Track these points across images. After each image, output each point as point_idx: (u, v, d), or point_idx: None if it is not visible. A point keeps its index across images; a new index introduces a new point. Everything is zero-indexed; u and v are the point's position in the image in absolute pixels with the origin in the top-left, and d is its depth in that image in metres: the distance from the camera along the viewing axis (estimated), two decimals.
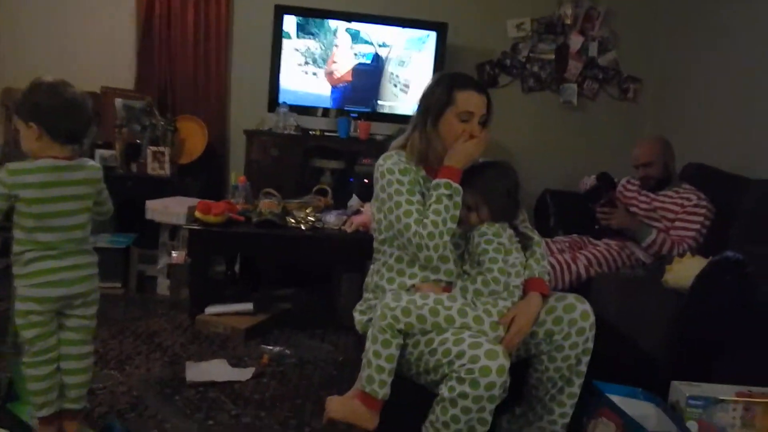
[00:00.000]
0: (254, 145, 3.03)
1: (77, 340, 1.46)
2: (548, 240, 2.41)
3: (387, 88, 3.20)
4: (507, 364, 1.25)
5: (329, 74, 3.16)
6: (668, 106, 3.31)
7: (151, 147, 2.97)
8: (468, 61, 3.33)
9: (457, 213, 1.44)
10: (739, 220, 2.13)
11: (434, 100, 1.49)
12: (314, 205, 2.61)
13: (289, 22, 3.08)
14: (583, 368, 1.45)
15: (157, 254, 2.81)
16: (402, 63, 3.19)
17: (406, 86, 3.21)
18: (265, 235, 2.42)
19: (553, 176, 3.23)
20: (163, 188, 2.89)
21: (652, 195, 2.41)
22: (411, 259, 1.50)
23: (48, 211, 1.36)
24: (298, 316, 2.60)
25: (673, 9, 3.32)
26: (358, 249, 2.23)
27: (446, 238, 1.42)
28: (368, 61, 3.17)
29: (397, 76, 3.19)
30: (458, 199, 1.44)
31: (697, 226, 2.24)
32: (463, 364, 1.25)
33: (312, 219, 2.49)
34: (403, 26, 3.16)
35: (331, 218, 2.51)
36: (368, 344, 1.38)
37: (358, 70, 3.17)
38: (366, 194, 2.27)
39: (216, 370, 2.02)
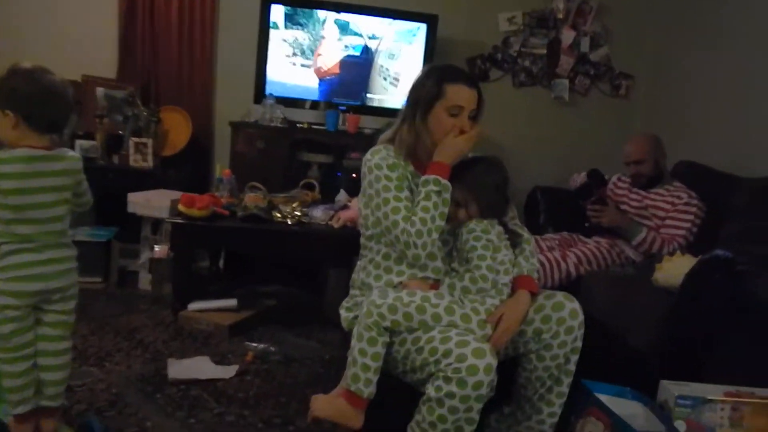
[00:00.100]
0: (240, 138, 2.99)
1: (55, 335, 1.43)
2: (538, 237, 2.41)
3: (377, 81, 3.17)
4: (494, 362, 1.24)
5: (316, 67, 3.13)
6: (660, 103, 3.32)
7: (133, 138, 2.92)
8: (458, 55, 3.30)
9: (446, 210, 1.42)
10: (730, 218, 2.14)
11: (424, 93, 1.47)
12: (301, 200, 2.59)
13: (277, 12, 3.04)
14: (572, 367, 1.45)
15: (139, 248, 2.78)
16: (392, 56, 3.16)
17: (396, 79, 3.18)
18: (250, 230, 2.39)
19: (543, 173, 3.22)
20: (145, 181, 2.84)
21: (643, 193, 2.41)
22: (398, 256, 1.48)
23: (26, 202, 1.33)
24: (284, 313, 2.58)
25: (666, 6, 3.32)
26: (346, 245, 2.19)
27: (435, 235, 1.41)
28: (357, 54, 3.13)
29: (387, 69, 3.16)
30: (447, 195, 1.42)
31: (688, 225, 2.25)
32: (450, 363, 1.24)
33: (298, 214, 2.46)
34: (394, 18, 3.13)
35: (318, 213, 2.49)
36: (354, 342, 1.37)
37: (347, 63, 3.13)
38: (354, 189, 2.24)
39: (199, 367, 2.00)
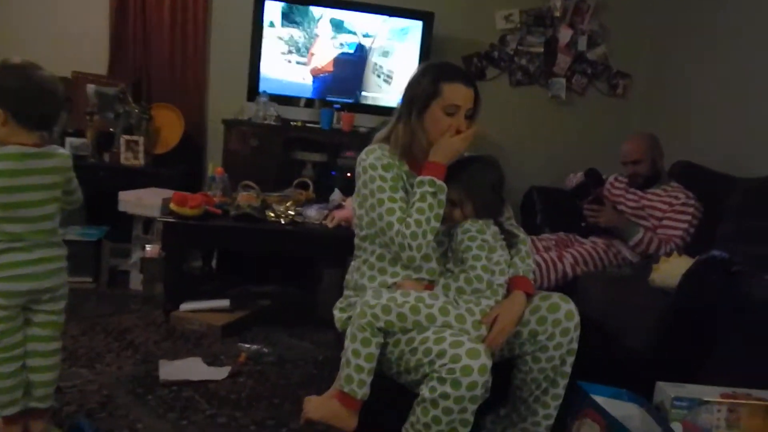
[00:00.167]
0: (233, 136, 2.97)
1: (44, 336, 1.42)
2: (534, 238, 2.40)
3: (370, 78, 3.15)
4: (489, 363, 1.24)
5: (310, 65, 3.12)
6: (657, 103, 3.32)
7: (124, 136, 2.90)
8: (455, 53, 3.29)
9: (441, 211, 1.42)
10: (727, 218, 2.14)
11: (420, 91, 1.46)
12: (295, 199, 2.57)
13: (274, 10, 3.02)
14: (568, 369, 1.45)
15: (130, 248, 2.77)
16: (386, 53, 3.14)
17: (389, 77, 3.16)
18: (243, 230, 2.38)
19: (540, 172, 3.21)
20: (136, 179, 2.82)
21: (640, 193, 2.41)
22: (393, 257, 1.47)
23: (17, 200, 1.31)
24: (277, 313, 2.56)
25: (664, 4, 3.32)
26: (340, 244, 2.18)
27: (429, 237, 1.40)
28: (351, 51, 3.12)
29: (380, 66, 3.14)
30: (442, 197, 1.41)
31: (685, 225, 2.24)
32: (444, 364, 1.23)
33: (292, 213, 2.44)
34: (390, 15, 3.12)
35: (312, 212, 2.47)
36: (347, 343, 1.36)
37: (340, 60, 3.13)
38: (349, 188, 2.22)
39: (191, 368, 1.98)
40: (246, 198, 2.42)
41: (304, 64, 3.10)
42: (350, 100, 3.15)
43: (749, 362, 1.58)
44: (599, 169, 2.57)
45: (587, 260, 2.27)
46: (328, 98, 3.13)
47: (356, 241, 1.57)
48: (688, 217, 2.25)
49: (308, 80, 3.13)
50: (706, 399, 1.45)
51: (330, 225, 2.41)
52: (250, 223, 2.37)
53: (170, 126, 3.06)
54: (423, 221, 1.38)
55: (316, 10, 3.05)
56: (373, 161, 1.46)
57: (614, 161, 2.52)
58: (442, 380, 1.22)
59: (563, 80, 3.43)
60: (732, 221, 2.09)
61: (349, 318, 1.43)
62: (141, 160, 2.90)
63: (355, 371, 1.32)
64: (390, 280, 1.48)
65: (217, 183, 2.61)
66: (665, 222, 2.28)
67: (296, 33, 3.06)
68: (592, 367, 1.52)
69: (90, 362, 1.98)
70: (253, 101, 3.03)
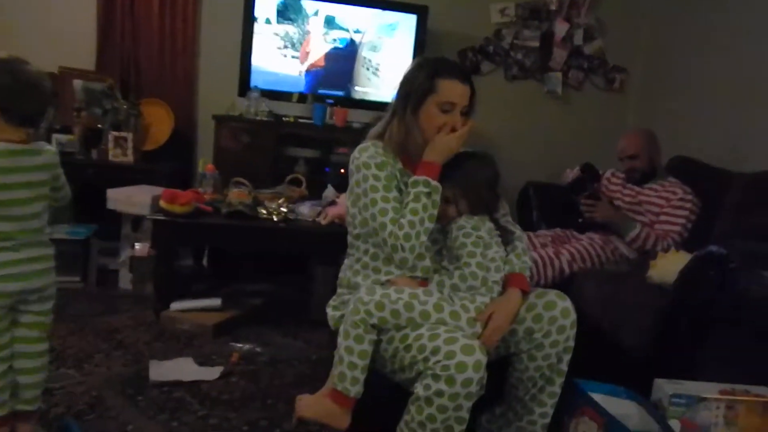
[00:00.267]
0: (224, 132, 2.94)
1: (32, 337, 1.40)
2: (530, 234, 2.39)
3: (360, 72, 3.14)
4: (484, 359, 1.22)
5: (302, 61, 3.10)
6: (654, 98, 3.31)
7: (112, 132, 2.86)
8: (449, 47, 3.26)
9: (435, 212, 1.40)
10: (724, 214, 2.14)
11: (416, 86, 1.44)
12: (287, 196, 2.55)
13: (270, 6, 2.99)
14: (564, 367, 1.44)
15: (119, 246, 2.75)
16: (374, 48, 3.13)
17: (378, 69, 3.14)
18: (234, 227, 2.36)
19: (536, 168, 3.19)
20: (125, 176, 2.79)
21: (637, 188, 2.41)
22: (386, 256, 1.45)
23: (6, 198, 1.30)
24: (270, 312, 2.56)
25: None
26: (333, 242, 2.17)
27: (423, 238, 1.39)
28: (341, 46, 3.11)
29: (369, 60, 3.13)
30: (437, 197, 1.40)
31: (683, 221, 2.24)
32: (439, 361, 1.22)
33: (285, 210, 2.43)
34: (383, 9, 3.10)
35: (305, 209, 2.46)
36: (340, 340, 1.35)
37: (331, 54, 3.12)
38: (342, 185, 2.20)
39: (182, 369, 1.97)
40: (237, 195, 2.40)
41: (297, 57, 3.08)
42: (341, 93, 3.13)
43: (747, 359, 1.58)
44: (596, 164, 2.56)
45: (584, 257, 2.26)
46: (319, 92, 3.10)
47: (349, 239, 1.55)
48: (686, 213, 2.24)
49: (299, 73, 3.10)
50: (704, 396, 1.45)
51: (323, 222, 2.40)
52: (241, 221, 2.36)
53: (159, 122, 3.03)
54: (416, 222, 1.37)
55: (310, 6, 3.03)
56: (367, 159, 1.43)
57: (611, 156, 2.51)
58: (436, 377, 1.21)
59: (559, 75, 3.40)
60: (729, 217, 2.09)
61: (343, 316, 1.41)
62: (130, 157, 2.87)
63: (348, 368, 1.31)
64: (383, 279, 1.46)
65: (208, 180, 2.59)
66: (663, 218, 2.27)
67: (291, 29, 3.04)
68: (589, 365, 1.51)
69: (79, 363, 1.96)
70: (244, 96, 3.00)
